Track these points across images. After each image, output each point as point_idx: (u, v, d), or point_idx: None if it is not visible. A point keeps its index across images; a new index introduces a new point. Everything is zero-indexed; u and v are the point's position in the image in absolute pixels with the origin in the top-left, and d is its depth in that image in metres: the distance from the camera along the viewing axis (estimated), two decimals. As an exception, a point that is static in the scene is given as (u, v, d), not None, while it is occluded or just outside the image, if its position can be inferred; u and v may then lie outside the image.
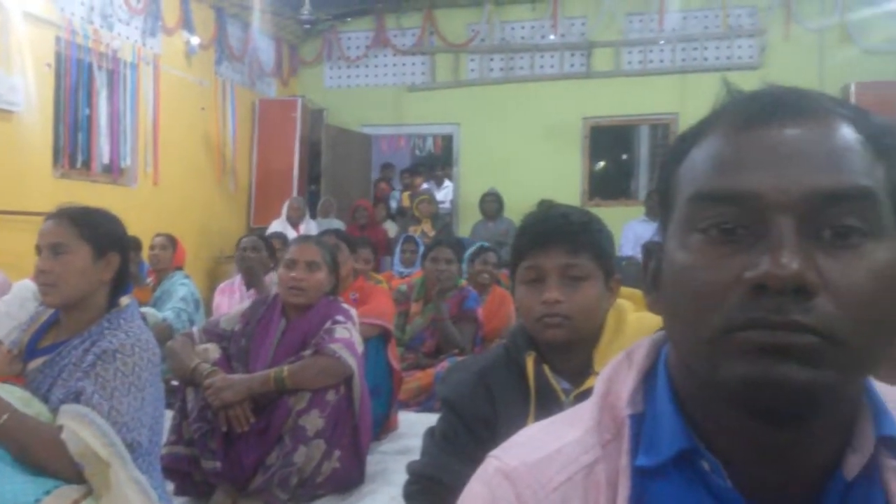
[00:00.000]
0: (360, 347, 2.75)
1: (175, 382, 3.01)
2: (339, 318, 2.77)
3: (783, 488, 0.61)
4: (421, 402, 4.06)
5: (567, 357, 1.54)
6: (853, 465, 0.60)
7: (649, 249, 0.70)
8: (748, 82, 0.65)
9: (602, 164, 10.90)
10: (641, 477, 0.63)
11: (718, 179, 0.59)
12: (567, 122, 8.78)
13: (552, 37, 8.85)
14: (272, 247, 5.00)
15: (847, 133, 0.59)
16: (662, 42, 8.59)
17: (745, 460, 0.61)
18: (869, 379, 0.63)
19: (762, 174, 0.57)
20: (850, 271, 0.55)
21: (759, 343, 0.55)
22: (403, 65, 9.35)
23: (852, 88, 7.66)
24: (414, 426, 3.53)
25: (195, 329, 2.93)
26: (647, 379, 0.69)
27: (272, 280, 4.43)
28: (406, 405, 4.00)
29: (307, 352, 2.65)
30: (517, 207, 1.92)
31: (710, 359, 0.58)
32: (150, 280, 5.07)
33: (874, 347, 0.57)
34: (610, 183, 10.40)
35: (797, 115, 0.59)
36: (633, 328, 1.57)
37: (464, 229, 8.56)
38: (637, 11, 8.63)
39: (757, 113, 0.60)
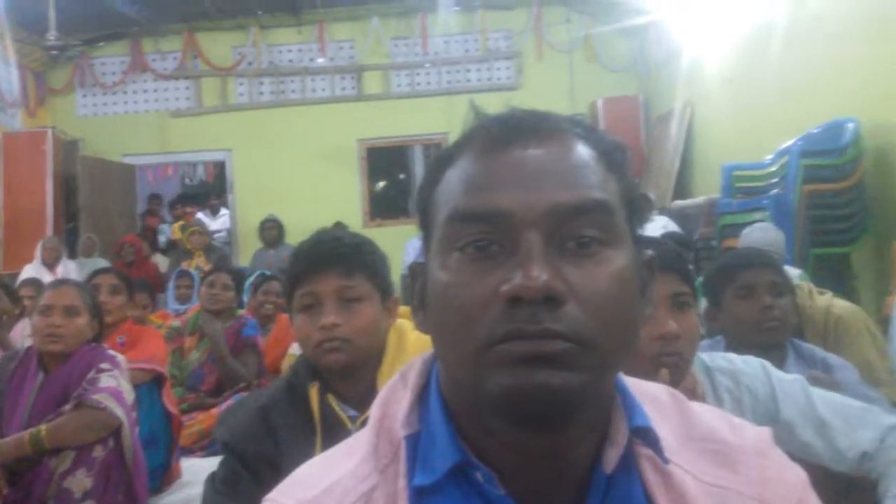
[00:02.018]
0: (129, 396, 2.55)
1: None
2: (104, 365, 2.56)
3: (554, 489, 0.64)
4: (205, 446, 3.82)
5: (351, 382, 1.52)
6: (611, 458, 0.63)
7: (415, 270, 0.71)
8: (508, 102, 0.68)
9: (381, 184, 11.07)
10: (419, 497, 0.63)
11: (471, 199, 0.62)
12: (343, 144, 8.83)
13: (321, 60, 8.89)
14: (15, 292, 4.49)
15: (582, 151, 0.64)
16: (428, 65, 8.92)
17: (517, 467, 0.63)
18: (619, 375, 0.67)
19: (509, 193, 0.61)
20: (592, 278, 0.59)
21: (518, 353, 0.57)
22: (166, 90, 8.96)
23: (599, 104, 8.40)
24: (200, 473, 3.30)
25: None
26: (422, 398, 0.69)
27: (23, 330, 3.99)
28: (190, 451, 3.76)
29: (68, 406, 2.41)
30: (299, 233, 1.88)
31: (476, 372, 0.59)
32: None
33: (619, 346, 0.61)
34: (390, 202, 10.58)
35: (538, 136, 0.63)
36: (415, 347, 1.57)
37: (244, 258, 8.31)
38: (402, 36, 8.90)
39: (501, 136, 0.64)
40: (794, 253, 4.33)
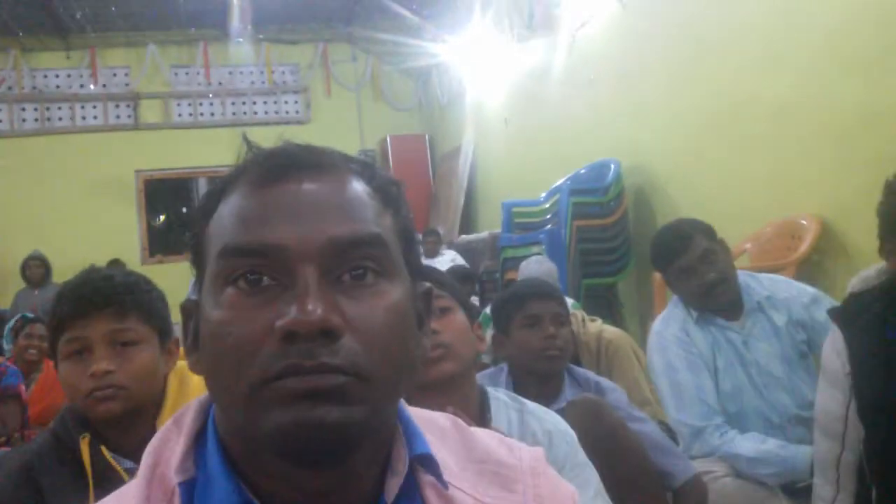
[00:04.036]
0: None
1: None
2: None
3: None
4: (-44, 510, 3.39)
5: (127, 432, 1.41)
6: (392, 487, 0.64)
7: (187, 309, 0.68)
8: (295, 136, 0.68)
9: (162, 218, 10.52)
10: None
11: (244, 234, 0.61)
12: (118, 175, 8.35)
13: (92, 87, 8.35)
14: None
15: (357, 186, 0.65)
16: (212, 95, 8.66)
17: None
18: (401, 404, 0.68)
19: (284, 227, 0.60)
20: (368, 311, 0.60)
21: (294, 389, 0.56)
22: (-90, 114, 7.98)
23: (388, 140, 8.59)
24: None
25: None
26: (199, 442, 0.66)
27: None
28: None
29: None
30: (68, 271, 1.73)
31: (251, 412, 0.58)
32: None
33: (396, 377, 0.62)
34: (172, 238, 10.06)
35: (313, 170, 0.63)
36: (198, 390, 1.50)
37: (4, 300, 7.52)
38: (182, 64, 8.60)
39: (275, 169, 0.63)
40: (567, 283, 4.65)
